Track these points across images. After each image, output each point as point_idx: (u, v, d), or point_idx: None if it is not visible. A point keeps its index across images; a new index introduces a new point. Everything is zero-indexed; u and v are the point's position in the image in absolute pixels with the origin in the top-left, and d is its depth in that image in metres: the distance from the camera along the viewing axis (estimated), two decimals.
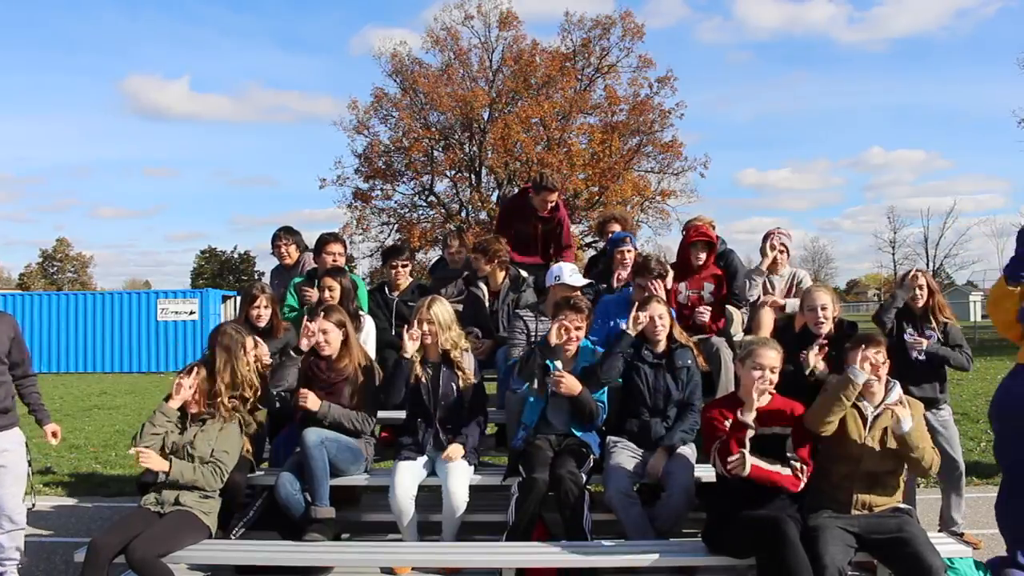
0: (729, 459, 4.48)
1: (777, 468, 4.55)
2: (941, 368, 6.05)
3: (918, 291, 6.06)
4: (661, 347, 5.60)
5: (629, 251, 7.01)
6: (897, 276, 6.80)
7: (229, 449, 5.18)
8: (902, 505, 4.68)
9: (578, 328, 5.49)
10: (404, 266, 7.37)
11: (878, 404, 4.64)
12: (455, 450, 5.40)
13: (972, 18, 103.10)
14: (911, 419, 4.52)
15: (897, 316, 6.09)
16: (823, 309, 5.59)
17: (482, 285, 6.95)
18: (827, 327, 5.60)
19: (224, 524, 5.16)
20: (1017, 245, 4.71)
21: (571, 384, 5.34)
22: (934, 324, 6.04)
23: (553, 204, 7.78)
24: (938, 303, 6.10)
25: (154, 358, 27.44)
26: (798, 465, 4.56)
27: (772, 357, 4.71)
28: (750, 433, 4.53)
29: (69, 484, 8.76)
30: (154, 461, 5.00)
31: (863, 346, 4.65)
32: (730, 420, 4.67)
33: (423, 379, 5.58)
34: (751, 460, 4.47)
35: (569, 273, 6.36)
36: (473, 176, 42.52)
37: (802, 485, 4.56)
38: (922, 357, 5.90)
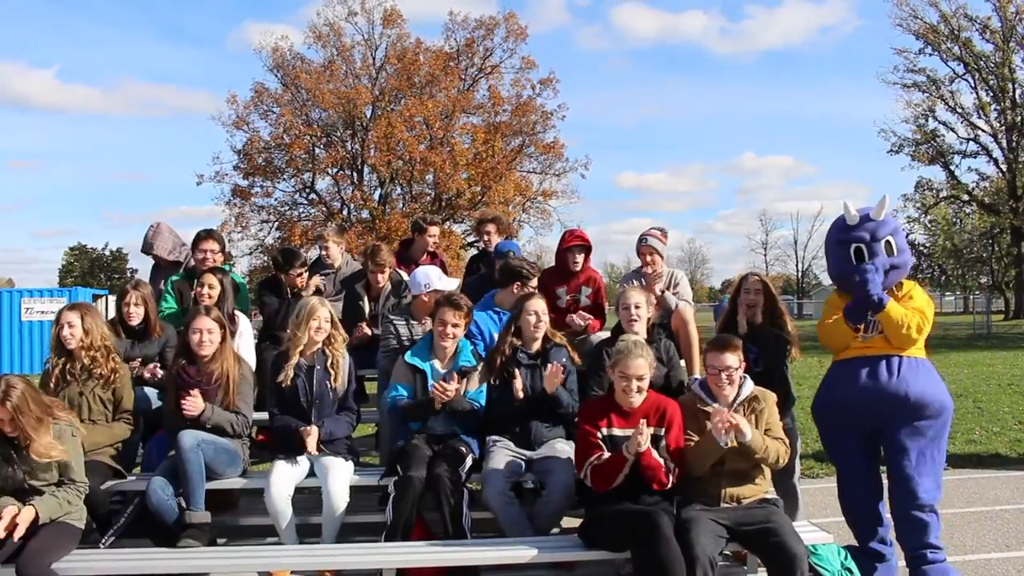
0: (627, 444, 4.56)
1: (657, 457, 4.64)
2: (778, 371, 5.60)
3: (754, 295, 5.72)
4: (536, 347, 5.62)
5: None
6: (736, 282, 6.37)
7: (72, 462, 4.68)
8: (769, 496, 4.85)
9: (455, 325, 5.49)
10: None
11: (731, 404, 4.78)
12: (310, 432, 5.33)
13: (835, 34, 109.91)
14: (749, 431, 4.61)
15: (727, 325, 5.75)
16: (636, 308, 5.65)
17: (361, 290, 6.88)
18: (640, 326, 5.63)
19: (88, 535, 4.89)
20: (857, 293, 4.95)
21: (450, 396, 5.32)
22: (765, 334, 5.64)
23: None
24: (778, 310, 5.74)
25: (18, 360, 25.97)
26: (672, 466, 4.67)
27: (639, 366, 4.73)
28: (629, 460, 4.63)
29: None
30: (25, 519, 4.37)
31: (714, 351, 4.80)
32: (604, 429, 4.77)
33: (290, 381, 5.47)
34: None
35: (437, 277, 6.20)
36: (355, 174, 42.15)
37: (669, 485, 4.67)
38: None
